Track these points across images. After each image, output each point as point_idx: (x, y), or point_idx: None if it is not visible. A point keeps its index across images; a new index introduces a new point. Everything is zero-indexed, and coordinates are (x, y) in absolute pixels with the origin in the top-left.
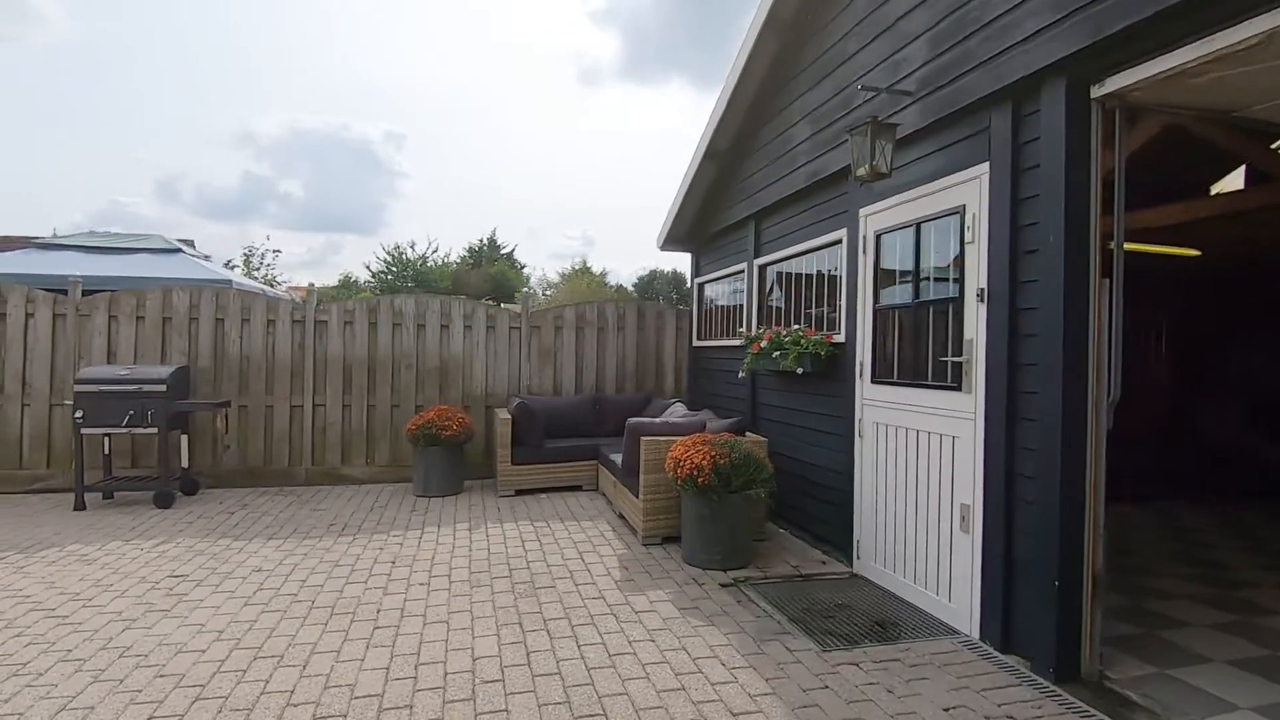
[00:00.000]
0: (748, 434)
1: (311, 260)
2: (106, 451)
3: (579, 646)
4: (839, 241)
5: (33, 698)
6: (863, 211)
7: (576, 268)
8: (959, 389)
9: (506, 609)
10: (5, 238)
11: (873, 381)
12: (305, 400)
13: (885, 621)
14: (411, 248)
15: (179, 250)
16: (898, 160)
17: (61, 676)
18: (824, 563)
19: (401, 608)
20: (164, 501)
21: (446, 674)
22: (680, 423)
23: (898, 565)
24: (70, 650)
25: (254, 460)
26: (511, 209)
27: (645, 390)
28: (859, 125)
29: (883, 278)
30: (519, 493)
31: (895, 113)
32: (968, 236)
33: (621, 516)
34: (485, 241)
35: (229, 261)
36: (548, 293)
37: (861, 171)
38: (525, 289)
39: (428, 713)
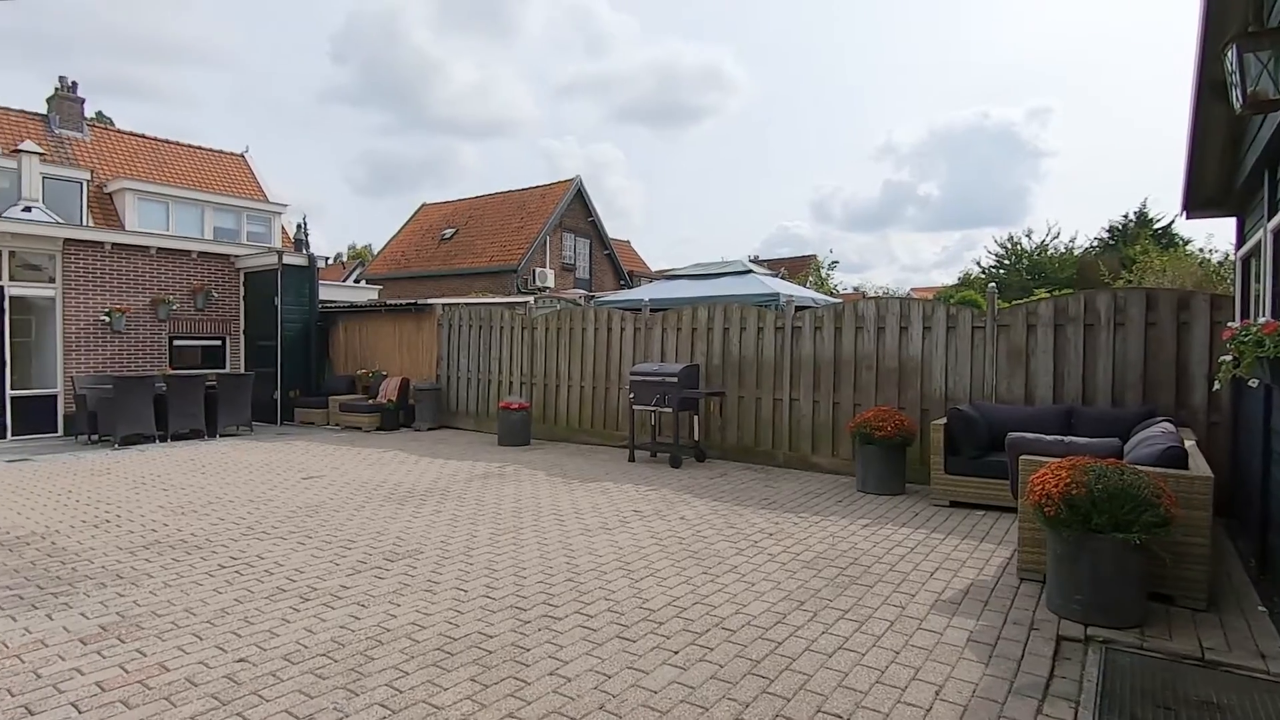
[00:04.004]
0: (1192, 466)
1: (945, 259)
2: (653, 423)
3: (820, 632)
4: None
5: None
6: None
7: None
8: None
9: (804, 590)
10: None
11: None
12: (784, 394)
13: None
14: (1028, 236)
15: (750, 271)
16: None
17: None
18: (1266, 656)
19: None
20: (675, 463)
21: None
22: (1079, 442)
23: None
24: (479, 527)
25: (747, 440)
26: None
27: (1155, 402)
28: (1227, 40)
29: None
30: (954, 504)
31: None
32: None
33: None
34: (1131, 216)
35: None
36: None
37: (1234, 98)
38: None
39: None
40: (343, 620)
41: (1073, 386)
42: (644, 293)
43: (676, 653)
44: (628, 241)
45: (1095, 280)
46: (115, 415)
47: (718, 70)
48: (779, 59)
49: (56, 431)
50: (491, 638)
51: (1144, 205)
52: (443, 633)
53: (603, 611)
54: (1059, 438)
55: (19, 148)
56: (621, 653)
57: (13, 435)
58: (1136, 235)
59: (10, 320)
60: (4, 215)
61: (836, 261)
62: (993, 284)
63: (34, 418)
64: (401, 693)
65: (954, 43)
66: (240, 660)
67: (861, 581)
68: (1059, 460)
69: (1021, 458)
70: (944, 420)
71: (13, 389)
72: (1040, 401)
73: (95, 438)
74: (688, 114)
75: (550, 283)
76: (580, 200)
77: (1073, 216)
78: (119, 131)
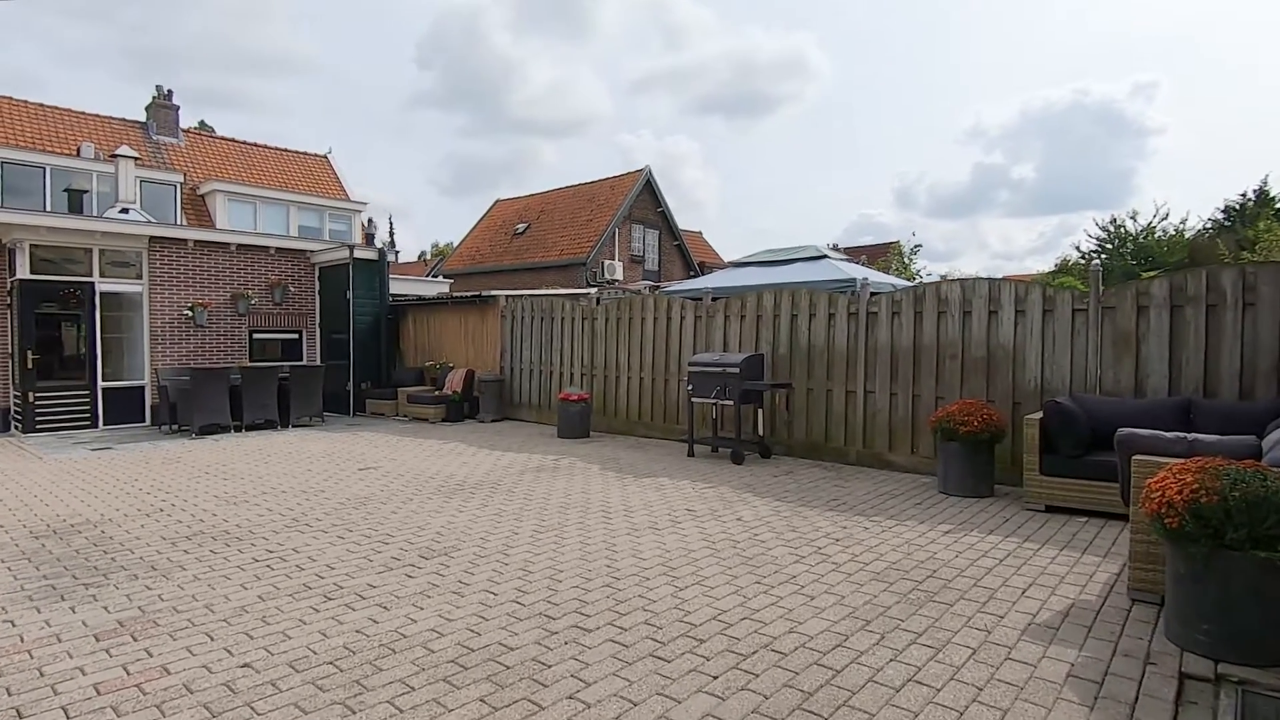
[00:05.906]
0: None
1: (1041, 245)
2: (714, 416)
3: (887, 659)
4: None
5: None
6: None
7: None
8: None
9: (871, 606)
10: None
11: None
12: (858, 386)
13: None
14: (1133, 218)
15: (825, 257)
16: None
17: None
18: None
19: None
20: (736, 459)
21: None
22: (1205, 440)
23: None
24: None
25: (816, 436)
26: None
27: None
28: None
29: None
30: (1050, 509)
31: None
32: None
33: None
34: (1250, 194)
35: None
36: None
37: None
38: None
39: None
40: (360, 624)
41: (1191, 376)
42: (709, 281)
43: (715, 678)
44: (699, 232)
45: (1207, 262)
46: (193, 406)
47: (795, 57)
48: (858, 42)
49: (143, 421)
50: (512, 650)
51: (1264, 182)
52: (461, 642)
53: (639, 624)
54: (1180, 435)
55: (116, 153)
56: (653, 675)
57: (104, 425)
58: (1257, 214)
59: (101, 316)
60: (98, 216)
61: (919, 245)
62: (1096, 261)
63: (123, 408)
64: (402, 712)
65: (1045, 17)
66: (244, 665)
67: (940, 599)
68: (1182, 461)
69: (1134, 458)
70: (1039, 414)
71: (104, 381)
72: (1152, 393)
73: (175, 427)
74: (765, 103)
75: (619, 274)
76: (650, 191)
77: (1183, 197)
78: (211, 136)
